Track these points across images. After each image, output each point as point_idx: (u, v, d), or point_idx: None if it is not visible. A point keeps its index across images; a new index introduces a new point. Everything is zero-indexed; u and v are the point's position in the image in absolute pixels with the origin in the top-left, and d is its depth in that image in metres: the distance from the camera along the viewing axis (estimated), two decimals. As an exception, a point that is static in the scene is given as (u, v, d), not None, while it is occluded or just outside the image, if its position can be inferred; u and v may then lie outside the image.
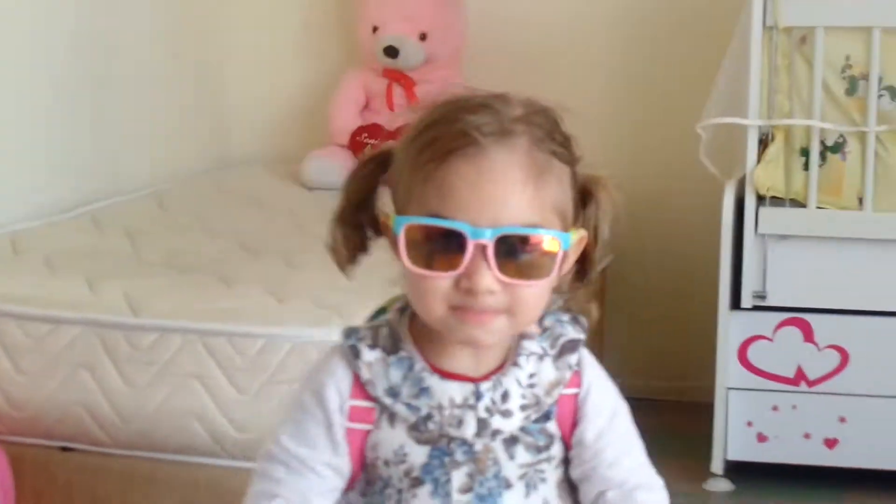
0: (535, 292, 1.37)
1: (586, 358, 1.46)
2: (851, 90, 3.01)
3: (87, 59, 3.46)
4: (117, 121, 3.60)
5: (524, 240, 1.35)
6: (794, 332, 3.11)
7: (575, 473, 1.48)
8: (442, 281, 1.34)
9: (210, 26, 4.11)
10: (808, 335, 3.07)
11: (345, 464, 1.45)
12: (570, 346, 1.45)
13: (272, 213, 3.36)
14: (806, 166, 3.03)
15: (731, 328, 3.10)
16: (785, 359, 3.11)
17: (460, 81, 3.77)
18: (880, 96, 2.97)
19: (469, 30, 3.85)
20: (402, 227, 1.35)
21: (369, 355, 1.44)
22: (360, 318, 2.12)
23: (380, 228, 1.45)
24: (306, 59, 4.19)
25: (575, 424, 1.46)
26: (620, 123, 3.55)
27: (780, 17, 2.99)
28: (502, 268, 1.32)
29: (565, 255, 1.37)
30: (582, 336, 1.46)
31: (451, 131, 1.36)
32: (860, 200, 3.00)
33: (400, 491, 1.44)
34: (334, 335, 1.98)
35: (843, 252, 3.07)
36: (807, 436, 3.12)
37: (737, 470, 3.18)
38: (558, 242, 1.36)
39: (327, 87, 4.02)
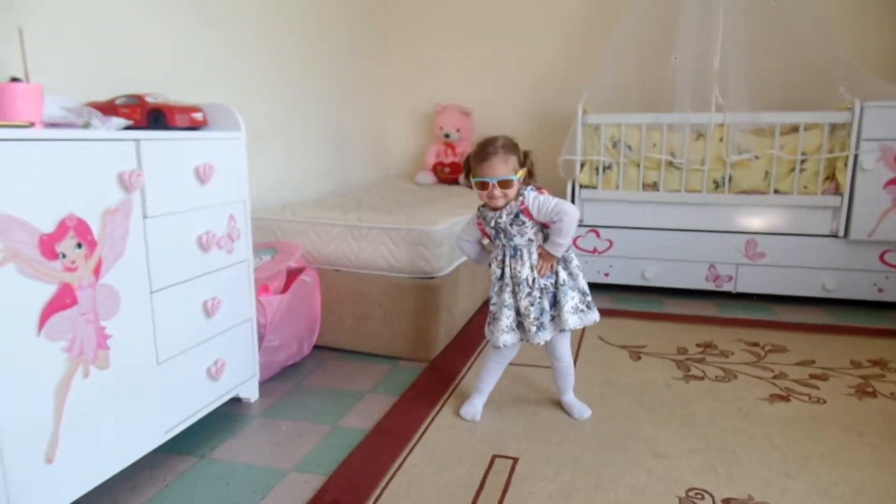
0: (510, 192, 1.59)
1: (527, 195, 1.59)
2: (613, 146, 2.96)
3: (332, 133, 3.28)
4: (345, 157, 3.44)
5: (505, 180, 1.57)
6: (592, 234, 3.05)
7: (543, 221, 1.59)
8: (484, 194, 1.59)
9: (381, 122, 3.87)
10: (598, 235, 3.03)
11: (478, 235, 1.71)
12: (519, 194, 1.60)
13: (405, 194, 3.19)
14: (597, 174, 2.98)
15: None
16: (589, 244, 3.03)
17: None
18: (625, 148, 2.93)
19: (475, 125, 3.73)
20: (475, 180, 1.59)
21: (483, 209, 1.67)
22: (441, 224, 2.22)
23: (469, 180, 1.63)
24: (417, 138, 3.97)
25: (532, 214, 1.59)
26: (537, 162, 3.38)
27: (587, 121, 2.95)
28: (499, 188, 1.57)
29: (517, 181, 1.57)
30: (525, 190, 1.59)
31: (481, 150, 1.59)
32: (617, 186, 2.96)
33: (493, 239, 1.67)
34: (430, 229, 2.17)
35: (610, 206, 2.99)
36: (598, 272, 3.04)
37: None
38: (513, 179, 1.57)
39: (424, 148, 3.89)
